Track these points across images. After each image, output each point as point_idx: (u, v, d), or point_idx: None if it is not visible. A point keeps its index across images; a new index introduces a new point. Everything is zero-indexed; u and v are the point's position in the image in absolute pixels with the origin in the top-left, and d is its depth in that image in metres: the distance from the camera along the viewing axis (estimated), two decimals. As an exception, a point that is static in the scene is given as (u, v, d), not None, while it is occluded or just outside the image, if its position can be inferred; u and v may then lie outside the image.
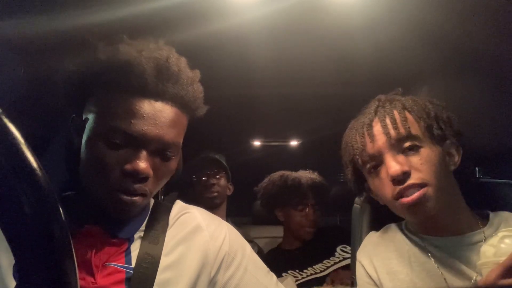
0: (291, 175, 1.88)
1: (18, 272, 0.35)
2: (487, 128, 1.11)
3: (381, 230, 0.99)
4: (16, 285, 0.36)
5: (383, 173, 0.86)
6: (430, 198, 0.81)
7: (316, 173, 1.95)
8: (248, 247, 0.83)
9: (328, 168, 2.43)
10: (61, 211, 0.35)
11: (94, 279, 0.67)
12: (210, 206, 1.84)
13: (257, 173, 2.02)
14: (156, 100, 0.69)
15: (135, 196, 0.68)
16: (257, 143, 2.27)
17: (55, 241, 0.34)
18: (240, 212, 2.23)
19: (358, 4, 0.86)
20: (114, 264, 0.69)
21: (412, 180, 0.81)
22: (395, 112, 0.87)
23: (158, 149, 0.70)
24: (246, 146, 2.27)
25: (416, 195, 0.80)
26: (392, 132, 0.85)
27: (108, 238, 0.71)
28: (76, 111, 0.75)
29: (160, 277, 0.70)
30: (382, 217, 1.04)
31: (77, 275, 0.36)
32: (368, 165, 0.89)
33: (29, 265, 0.34)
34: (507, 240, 0.65)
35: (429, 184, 0.81)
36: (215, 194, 1.84)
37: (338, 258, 1.72)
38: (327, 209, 2.15)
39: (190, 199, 0.90)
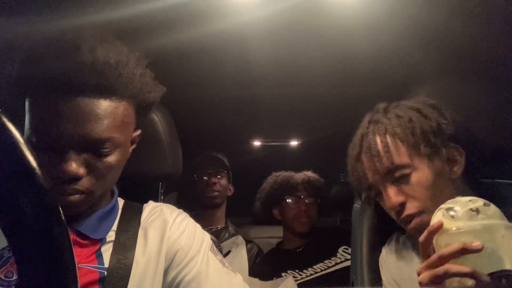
0: (283, 173, 1.94)
1: (18, 272, 0.35)
2: (487, 128, 1.11)
3: (387, 241, 0.98)
4: (16, 285, 0.36)
5: (383, 200, 0.87)
6: (428, 223, 0.81)
7: (311, 172, 1.97)
8: (206, 244, 0.79)
9: (328, 168, 2.43)
10: (61, 211, 0.35)
11: None
12: (211, 205, 1.84)
13: (257, 173, 2.02)
14: (77, 95, 0.61)
15: (72, 195, 0.64)
16: (257, 143, 2.27)
17: (55, 241, 0.34)
18: (240, 212, 2.23)
19: (358, 4, 0.86)
20: (87, 266, 0.68)
21: (408, 210, 0.82)
22: (378, 141, 0.85)
23: (88, 147, 0.64)
24: (246, 146, 2.27)
25: (413, 223, 0.82)
26: (378, 167, 0.84)
27: (79, 239, 0.70)
28: None
29: (133, 275, 0.69)
30: (382, 217, 1.04)
31: (77, 275, 0.37)
32: (369, 193, 0.91)
33: (29, 265, 0.34)
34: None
35: (426, 209, 0.80)
36: (216, 193, 1.83)
37: (340, 259, 1.71)
38: (327, 209, 2.14)
39: (190, 199, 0.90)
